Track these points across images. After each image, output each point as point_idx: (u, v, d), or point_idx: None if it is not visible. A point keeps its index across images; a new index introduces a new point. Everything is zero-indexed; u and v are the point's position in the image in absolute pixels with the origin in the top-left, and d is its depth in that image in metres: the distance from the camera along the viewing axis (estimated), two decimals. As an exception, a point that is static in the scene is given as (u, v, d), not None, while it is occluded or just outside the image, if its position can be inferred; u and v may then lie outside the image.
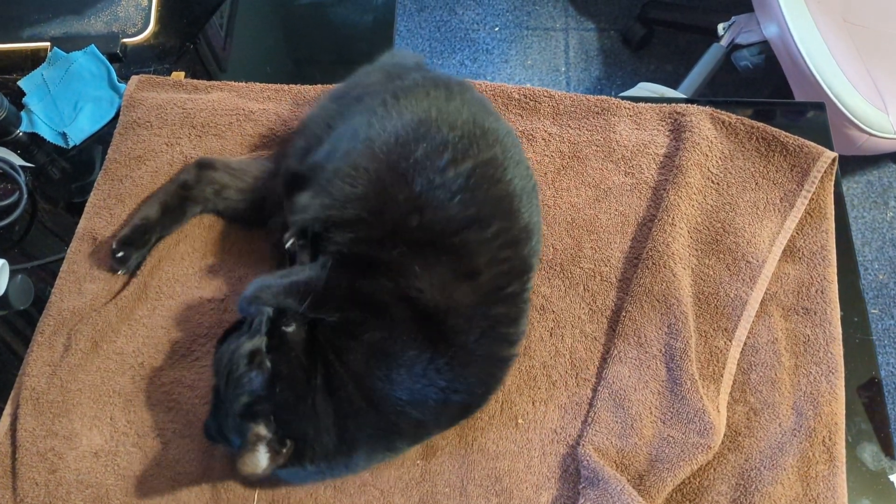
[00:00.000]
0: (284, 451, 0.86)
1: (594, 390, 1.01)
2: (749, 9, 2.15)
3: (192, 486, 0.96)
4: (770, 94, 2.31)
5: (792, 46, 1.88)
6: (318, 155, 1.03)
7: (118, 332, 1.04)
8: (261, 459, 0.84)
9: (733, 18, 2.19)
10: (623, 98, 1.23)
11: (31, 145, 1.24)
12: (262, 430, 0.85)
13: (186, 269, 1.09)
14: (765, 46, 2.11)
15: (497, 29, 2.70)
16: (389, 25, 1.31)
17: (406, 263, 0.91)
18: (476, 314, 0.91)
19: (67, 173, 1.22)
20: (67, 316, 1.05)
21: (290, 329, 0.90)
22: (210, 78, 1.28)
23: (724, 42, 2.15)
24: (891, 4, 1.98)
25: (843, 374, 0.99)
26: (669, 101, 1.23)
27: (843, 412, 0.97)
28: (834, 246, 1.08)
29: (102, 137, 1.24)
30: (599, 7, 2.71)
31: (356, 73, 1.13)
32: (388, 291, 0.91)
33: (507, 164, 0.98)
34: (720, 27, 2.19)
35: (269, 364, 0.87)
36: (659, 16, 2.54)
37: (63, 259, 1.10)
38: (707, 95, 2.20)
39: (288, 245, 0.99)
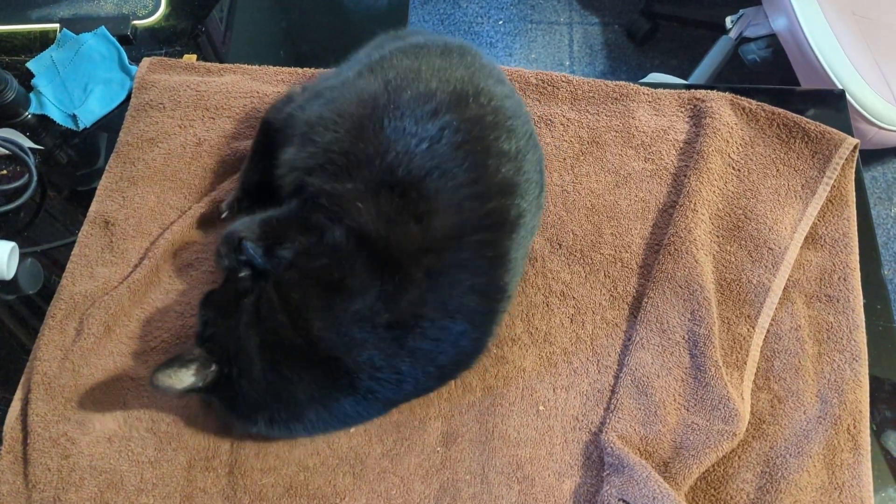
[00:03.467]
0: (208, 371, 0.87)
1: (616, 377, 0.99)
2: (755, 2, 2.14)
3: (208, 470, 0.94)
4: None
5: (802, 39, 1.88)
6: (298, 103, 1.02)
7: (131, 317, 1.02)
8: (183, 376, 0.85)
9: (741, 11, 2.18)
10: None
11: (40, 128, 1.21)
12: (197, 350, 0.87)
13: (199, 252, 1.07)
14: (773, 40, 2.10)
15: (501, 22, 2.69)
16: (404, 11, 1.30)
17: (352, 198, 0.89)
18: (425, 255, 0.87)
19: (77, 156, 1.20)
20: (79, 300, 1.03)
21: (242, 274, 0.92)
22: (222, 61, 1.26)
23: (732, 34, 2.14)
24: (901, -2, 1.97)
25: (866, 362, 0.98)
26: (688, 87, 1.22)
27: (868, 400, 0.96)
28: (856, 233, 1.07)
29: (113, 120, 1.21)
30: (603, 1, 2.71)
31: None
32: (336, 223, 0.90)
33: (496, 123, 0.93)
34: (728, 20, 2.18)
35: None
36: (663, 10, 2.54)
37: (74, 243, 1.08)
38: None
39: (224, 215, 1.05)
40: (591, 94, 1.20)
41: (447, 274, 0.88)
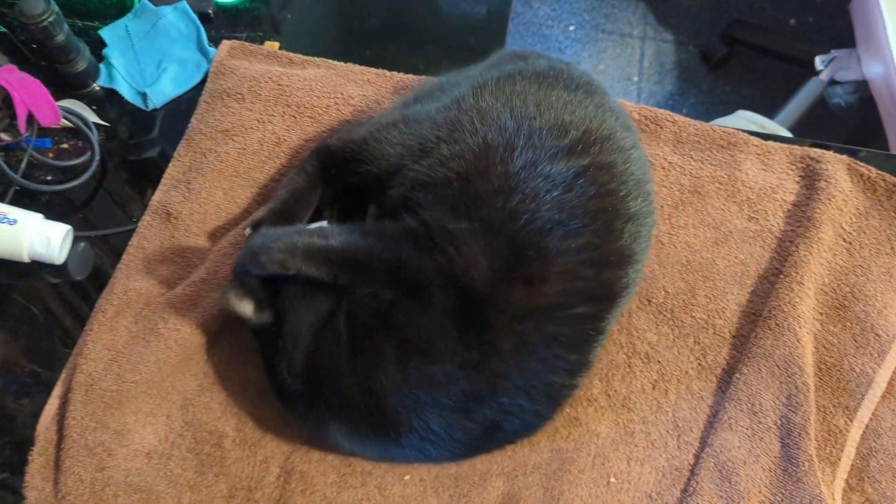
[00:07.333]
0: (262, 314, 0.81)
1: (697, 456, 0.91)
2: (848, 43, 2.03)
3: (249, 502, 0.87)
4: (859, 136, 2.20)
5: (897, 90, 1.77)
6: (385, 122, 0.93)
7: (185, 323, 0.94)
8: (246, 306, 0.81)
9: (833, 53, 2.07)
10: (720, 125, 1.12)
11: (106, 102, 1.13)
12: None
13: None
14: (861, 86, 1.99)
15: (572, 28, 2.60)
16: (504, 20, 1.20)
17: (468, 242, 0.79)
18: (523, 323, 0.78)
19: (143, 138, 1.12)
20: (133, 297, 0.96)
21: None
22: (304, 53, 1.17)
23: (823, 77, 2.03)
24: None
25: (960, 473, 0.90)
26: (798, 142, 1.12)
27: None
28: None
29: (185, 103, 1.13)
30: (681, 19, 2.59)
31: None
32: (437, 269, 0.79)
33: (624, 177, 0.85)
34: (818, 60, 2.07)
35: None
36: (744, 37, 2.42)
37: (132, 232, 1.01)
38: (800, 130, 2.09)
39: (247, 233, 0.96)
40: (696, 139, 1.11)
41: (539, 349, 0.79)
